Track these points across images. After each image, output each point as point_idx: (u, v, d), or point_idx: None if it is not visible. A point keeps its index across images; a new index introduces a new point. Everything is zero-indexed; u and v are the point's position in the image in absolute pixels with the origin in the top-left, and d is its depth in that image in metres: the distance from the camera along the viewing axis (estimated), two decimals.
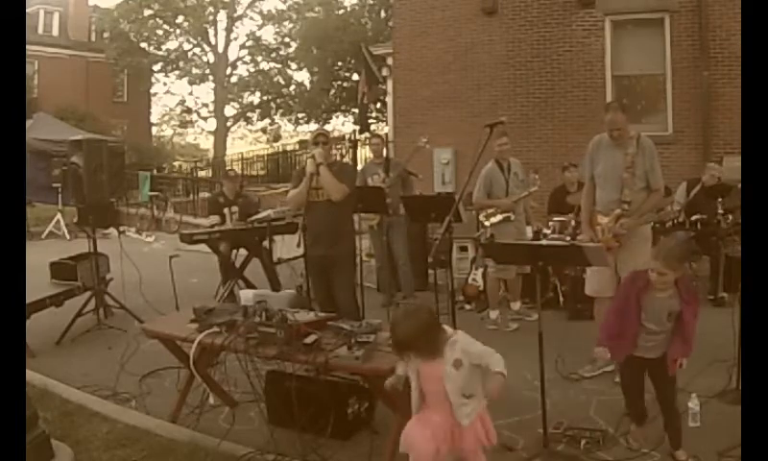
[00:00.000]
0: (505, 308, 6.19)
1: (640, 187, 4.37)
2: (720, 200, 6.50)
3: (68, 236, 12.76)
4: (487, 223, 6.06)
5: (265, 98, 30.36)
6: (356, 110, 18.99)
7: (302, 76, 29.49)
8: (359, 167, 8.97)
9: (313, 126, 29.26)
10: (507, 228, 5.92)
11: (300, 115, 29.23)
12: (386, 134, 11.91)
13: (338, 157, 17.48)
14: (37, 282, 5.85)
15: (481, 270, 6.82)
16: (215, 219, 7.26)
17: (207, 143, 35.06)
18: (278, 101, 30.21)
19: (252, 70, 30.62)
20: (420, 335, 2.68)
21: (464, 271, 7.11)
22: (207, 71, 30.23)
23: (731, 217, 6.38)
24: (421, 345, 2.70)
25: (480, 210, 6.19)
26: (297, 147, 25.62)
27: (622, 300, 3.38)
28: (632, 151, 4.31)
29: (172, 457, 3.41)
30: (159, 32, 29.14)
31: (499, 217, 5.96)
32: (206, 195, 14.81)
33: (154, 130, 33.92)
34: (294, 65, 29.23)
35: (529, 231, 6.57)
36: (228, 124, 31.41)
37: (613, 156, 4.40)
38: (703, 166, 7.16)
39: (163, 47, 29.86)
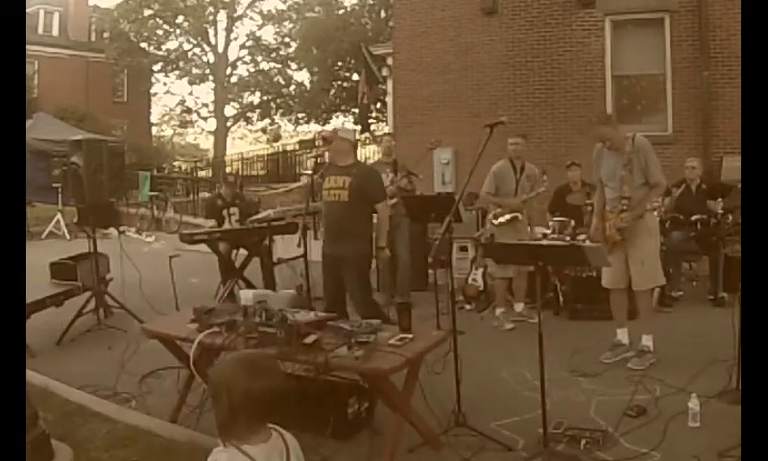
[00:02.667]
0: (508, 309, 6.19)
1: (640, 183, 4.68)
2: (720, 200, 6.50)
3: (68, 236, 12.77)
4: (495, 222, 6.06)
5: (265, 98, 30.35)
6: (356, 110, 19.01)
7: (302, 76, 29.55)
8: None
9: (313, 126, 29.32)
10: (514, 228, 5.95)
11: (300, 115, 29.24)
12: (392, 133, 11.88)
13: None
14: (37, 282, 5.85)
15: (481, 270, 6.83)
16: (213, 223, 7.27)
17: (207, 143, 35.06)
18: (278, 101, 30.20)
19: (252, 70, 30.63)
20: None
21: (464, 271, 7.11)
22: (207, 71, 30.22)
23: (731, 217, 6.38)
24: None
25: (488, 209, 6.21)
26: (297, 147, 25.62)
27: None
28: (628, 151, 4.66)
29: (172, 457, 3.41)
30: (159, 32, 29.13)
31: (507, 217, 5.98)
32: (206, 195, 14.82)
33: (154, 130, 33.92)
34: (294, 65, 29.25)
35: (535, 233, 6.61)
36: (228, 124, 31.40)
37: (613, 158, 4.77)
38: (701, 166, 7.15)
39: (163, 47, 29.86)
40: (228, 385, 1.72)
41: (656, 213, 6.43)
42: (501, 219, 6.00)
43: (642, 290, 4.79)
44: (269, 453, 1.73)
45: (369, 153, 19.16)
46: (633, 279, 4.75)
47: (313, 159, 22.65)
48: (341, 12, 26.01)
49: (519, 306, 6.17)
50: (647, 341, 4.74)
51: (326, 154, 4.71)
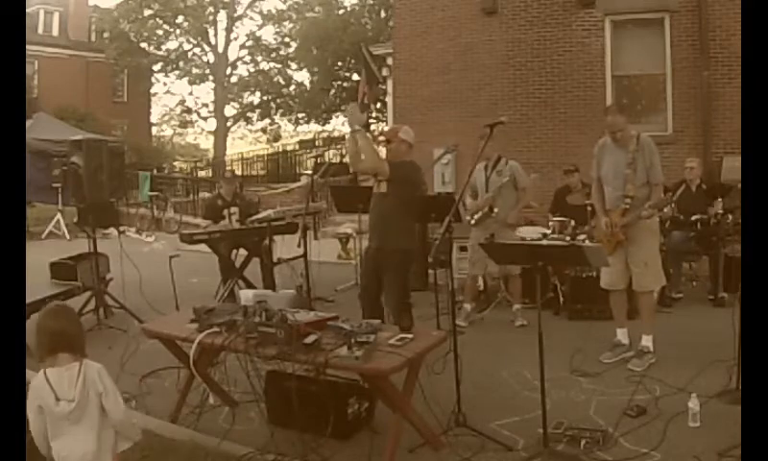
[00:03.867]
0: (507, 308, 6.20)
1: (642, 182, 4.66)
2: (719, 200, 6.50)
3: (68, 236, 12.76)
4: (472, 221, 6.10)
5: (265, 98, 30.35)
6: None
7: (302, 76, 29.53)
8: None
9: (313, 126, 29.34)
10: (486, 224, 5.92)
11: (300, 115, 29.24)
12: None
13: (338, 159, 17.50)
14: (37, 282, 5.84)
15: None
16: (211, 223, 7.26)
17: (207, 143, 35.05)
18: (278, 101, 30.20)
19: (252, 70, 30.63)
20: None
21: (464, 271, 7.09)
22: (207, 71, 30.21)
23: (730, 217, 6.38)
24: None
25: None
26: (297, 147, 25.63)
27: None
28: (633, 149, 4.63)
29: (172, 457, 3.41)
30: (159, 32, 29.12)
31: (479, 214, 6.01)
32: (206, 195, 14.81)
33: (154, 130, 33.90)
34: (294, 65, 29.24)
35: (533, 232, 6.59)
36: (228, 124, 31.39)
37: (616, 155, 4.73)
38: (700, 166, 7.14)
39: (163, 47, 29.84)
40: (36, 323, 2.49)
41: (666, 209, 6.51)
42: (476, 216, 6.04)
43: (645, 291, 4.78)
44: (60, 375, 2.38)
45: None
46: (634, 279, 4.74)
47: (313, 159, 22.73)
48: (341, 11, 26.00)
49: (517, 306, 6.16)
50: (647, 341, 4.75)
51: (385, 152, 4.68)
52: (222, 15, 29.79)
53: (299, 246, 5.04)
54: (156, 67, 30.15)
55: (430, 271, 6.86)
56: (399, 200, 4.51)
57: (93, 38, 29.51)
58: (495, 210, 5.91)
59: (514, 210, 6.03)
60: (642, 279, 4.72)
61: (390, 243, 4.54)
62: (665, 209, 6.59)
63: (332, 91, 26.41)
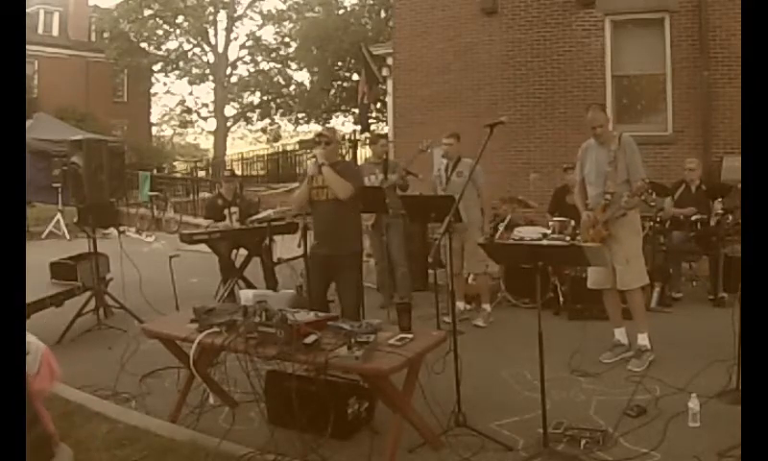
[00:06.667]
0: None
1: (623, 180, 4.74)
2: (720, 200, 6.50)
3: (68, 236, 12.77)
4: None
5: (265, 98, 30.36)
6: (356, 110, 18.99)
7: (302, 76, 29.52)
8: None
9: (313, 126, 29.25)
10: (455, 227, 5.75)
11: (300, 115, 29.22)
12: (386, 135, 11.90)
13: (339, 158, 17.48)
14: (37, 282, 5.85)
15: None
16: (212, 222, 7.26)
17: (207, 143, 35.06)
18: (278, 101, 30.20)
19: (252, 70, 30.65)
20: None
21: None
22: (207, 71, 30.22)
23: (730, 217, 6.39)
24: None
25: None
26: (297, 147, 25.60)
27: None
28: (614, 148, 4.75)
29: (172, 457, 3.42)
30: (159, 32, 29.14)
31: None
32: (206, 195, 14.81)
33: (154, 130, 33.92)
34: (294, 65, 29.23)
35: (533, 232, 6.59)
36: (228, 124, 31.40)
37: (598, 154, 4.84)
38: (700, 167, 7.14)
39: (163, 47, 29.86)
40: None
41: (666, 208, 6.52)
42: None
43: (630, 289, 4.79)
44: None
45: (369, 153, 19.12)
46: (618, 278, 4.76)
47: (313, 159, 22.61)
48: (341, 11, 25.98)
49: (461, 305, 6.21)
50: (643, 340, 4.76)
51: (321, 155, 4.62)
52: (222, 15, 29.85)
53: (299, 246, 5.04)
54: (156, 67, 30.17)
55: (430, 271, 6.87)
56: (350, 205, 4.58)
57: (93, 38, 29.54)
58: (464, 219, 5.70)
59: (481, 216, 6.11)
60: (625, 276, 4.73)
61: (344, 248, 4.55)
62: (665, 208, 6.63)
63: (332, 91, 26.38)
